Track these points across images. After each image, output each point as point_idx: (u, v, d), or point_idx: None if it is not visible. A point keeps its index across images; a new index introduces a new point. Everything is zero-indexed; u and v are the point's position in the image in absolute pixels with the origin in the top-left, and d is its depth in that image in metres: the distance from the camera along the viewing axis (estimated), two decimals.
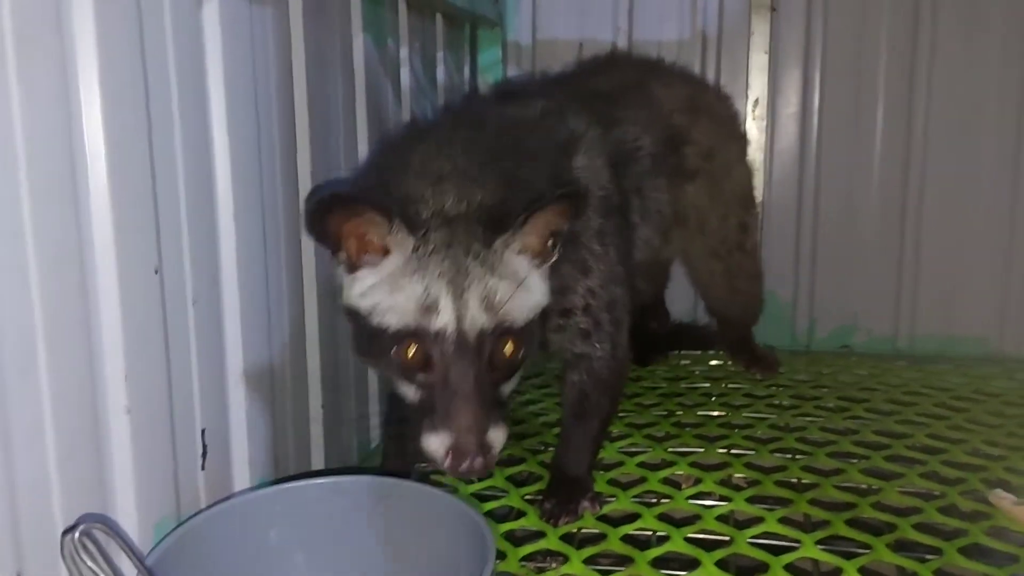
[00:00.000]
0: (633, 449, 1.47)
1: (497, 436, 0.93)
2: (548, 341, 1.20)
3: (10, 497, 0.75)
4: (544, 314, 1.06)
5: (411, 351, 0.93)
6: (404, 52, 1.66)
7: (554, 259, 1.02)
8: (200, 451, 1.04)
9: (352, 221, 0.93)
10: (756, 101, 2.11)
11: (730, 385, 1.83)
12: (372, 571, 1.03)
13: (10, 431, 0.75)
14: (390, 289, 0.93)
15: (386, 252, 0.95)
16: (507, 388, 0.99)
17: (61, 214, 0.80)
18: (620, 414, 1.62)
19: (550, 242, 1.00)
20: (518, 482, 1.36)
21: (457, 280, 0.92)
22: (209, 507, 0.99)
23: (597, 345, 1.21)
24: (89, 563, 0.70)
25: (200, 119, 1.03)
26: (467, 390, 0.90)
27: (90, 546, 0.72)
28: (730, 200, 1.74)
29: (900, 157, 2.08)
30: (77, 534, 0.71)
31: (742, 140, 1.87)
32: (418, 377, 0.94)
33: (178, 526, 0.94)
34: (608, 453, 1.44)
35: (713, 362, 2.01)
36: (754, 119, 2.12)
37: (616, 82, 1.56)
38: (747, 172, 1.84)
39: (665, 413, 1.65)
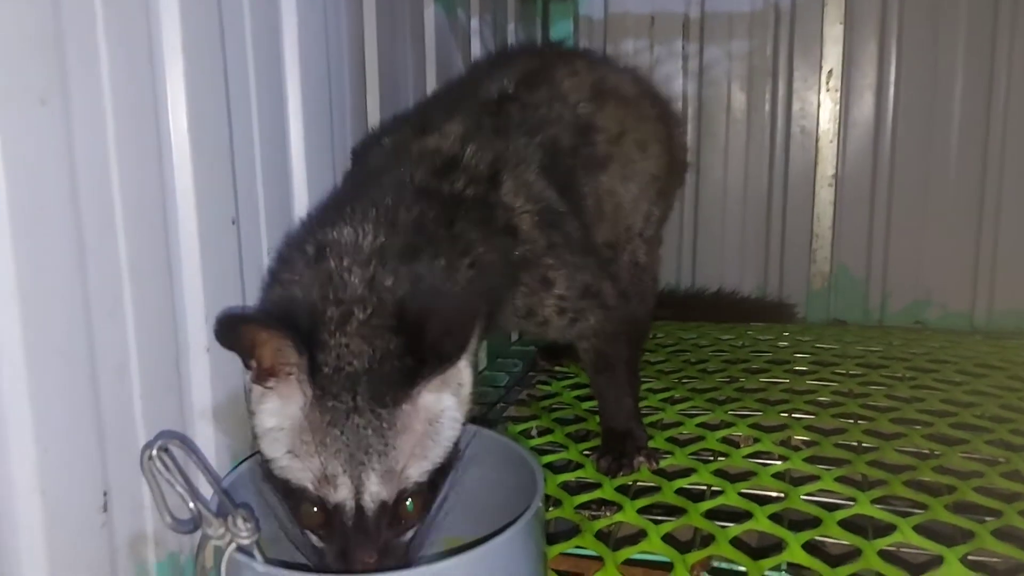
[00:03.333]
0: (693, 411, 1.48)
1: None
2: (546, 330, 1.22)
3: (98, 427, 0.80)
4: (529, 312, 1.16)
5: (311, 513, 0.86)
6: (475, 23, 1.70)
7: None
8: None
9: (265, 335, 0.82)
10: (830, 72, 2.08)
11: (796, 353, 1.82)
12: None
13: (96, 368, 0.79)
14: (290, 447, 0.85)
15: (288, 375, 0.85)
16: (412, 533, 0.90)
17: (144, 166, 0.85)
18: (684, 380, 1.64)
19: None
20: (577, 438, 1.39)
21: (356, 456, 0.83)
22: None
23: (590, 319, 1.21)
24: (166, 475, 0.75)
25: (275, 82, 1.08)
26: (367, 558, 0.84)
27: (168, 461, 0.76)
28: None
29: (979, 130, 2.02)
30: (155, 449, 0.76)
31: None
32: (320, 532, 0.87)
33: (249, 456, 0.99)
34: (668, 415, 1.46)
35: (781, 331, 2.00)
36: (828, 91, 2.09)
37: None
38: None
39: (728, 379, 1.66)
